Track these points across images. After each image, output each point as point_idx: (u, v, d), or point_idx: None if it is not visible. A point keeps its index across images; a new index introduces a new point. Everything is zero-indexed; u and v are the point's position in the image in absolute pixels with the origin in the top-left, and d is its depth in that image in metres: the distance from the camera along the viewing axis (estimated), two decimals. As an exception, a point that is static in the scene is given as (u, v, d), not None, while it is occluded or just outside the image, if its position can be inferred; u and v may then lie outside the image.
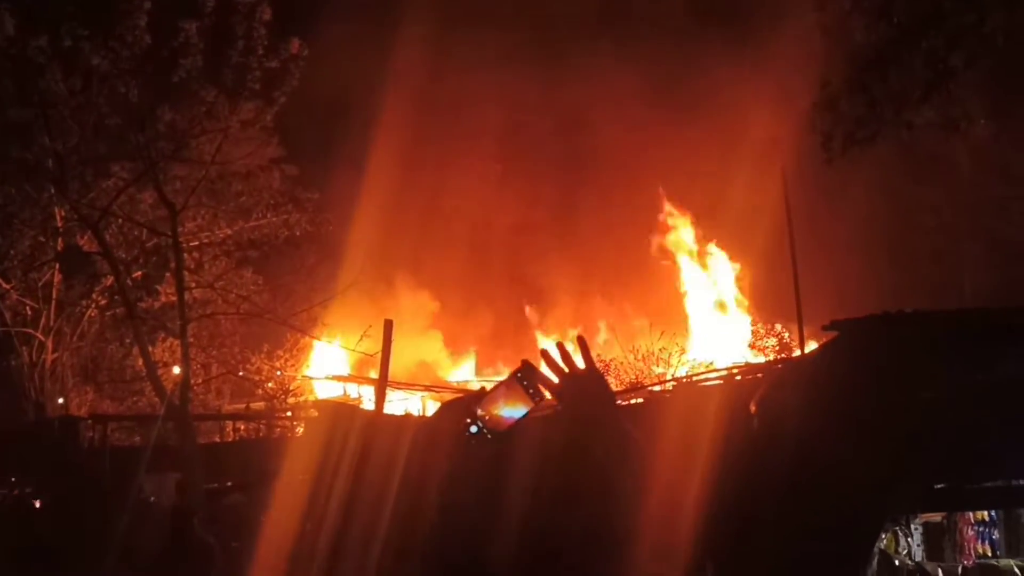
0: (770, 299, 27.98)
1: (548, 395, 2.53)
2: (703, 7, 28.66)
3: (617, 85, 29.04)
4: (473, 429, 2.47)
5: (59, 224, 21.68)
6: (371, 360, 19.41)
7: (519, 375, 2.49)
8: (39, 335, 23.50)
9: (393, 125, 23.93)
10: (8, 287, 22.84)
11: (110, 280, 20.16)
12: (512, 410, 2.48)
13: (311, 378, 27.38)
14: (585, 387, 2.57)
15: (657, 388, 16.87)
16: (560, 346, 2.63)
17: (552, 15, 31.20)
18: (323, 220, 22.77)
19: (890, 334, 6.14)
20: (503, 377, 2.64)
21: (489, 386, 2.74)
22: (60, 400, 24.28)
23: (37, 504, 15.84)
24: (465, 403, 2.54)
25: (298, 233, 22.78)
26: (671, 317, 29.43)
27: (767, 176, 22.14)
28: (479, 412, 2.42)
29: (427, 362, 30.32)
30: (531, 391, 2.46)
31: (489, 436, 2.47)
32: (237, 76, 17.65)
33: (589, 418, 2.57)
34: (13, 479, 17.93)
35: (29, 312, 23.61)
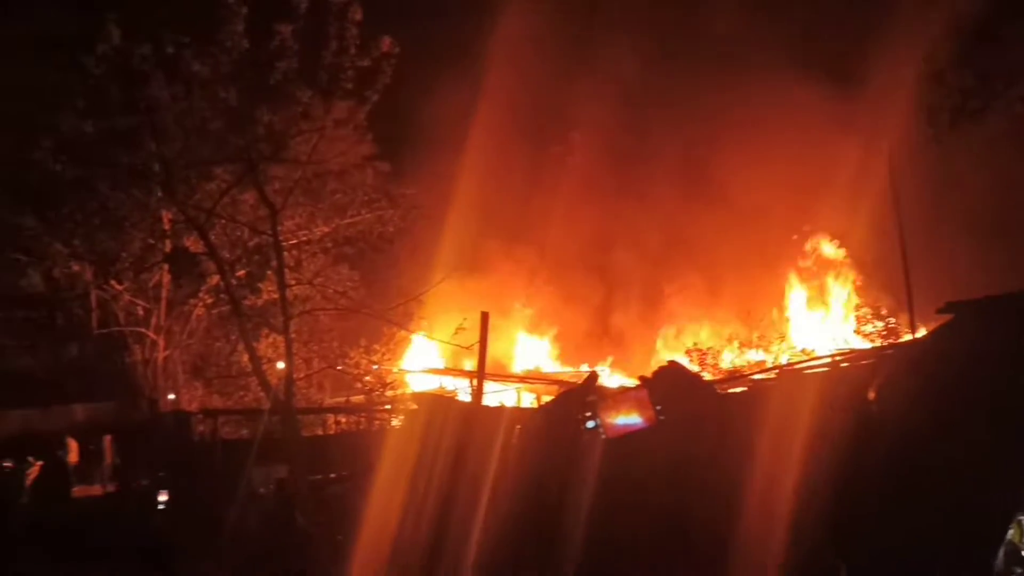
0: (876, 282, 27.04)
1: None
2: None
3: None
4: (590, 424, 2.46)
5: (167, 227, 22.46)
6: (467, 352, 19.53)
7: (650, 393, 2.47)
8: (151, 334, 24.42)
9: (489, 122, 23.97)
10: (121, 288, 23.78)
11: (216, 279, 20.78)
12: (628, 419, 2.47)
13: (408, 371, 27.76)
14: (674, 384, 2.51)
15: (759, 376, 16.48)
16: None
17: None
18: (416, 215, 22.98)
19: (1010, 315, 5.82)
20: (620, 383, 2.60)
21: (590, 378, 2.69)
22: (172, 396, 25.20)
23: (161, 497, 16.48)
24: (581, 393, 2.52)
25: (392, 229, 23.03)
26: (771, 303, 28.77)
27: (872, 155, 21.36)
28: (600, 417, 2.40)
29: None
30: (656, 408, 2.44)
31: (603, 435, 2.46)
32: (331, 76, 17.94)
33: (684, 416, 2.52)
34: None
35: (141, 312, 24.56)
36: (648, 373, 8.13)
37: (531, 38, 26.55)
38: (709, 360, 23.74)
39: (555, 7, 28.68)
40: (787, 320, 28.23)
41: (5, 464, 20.43)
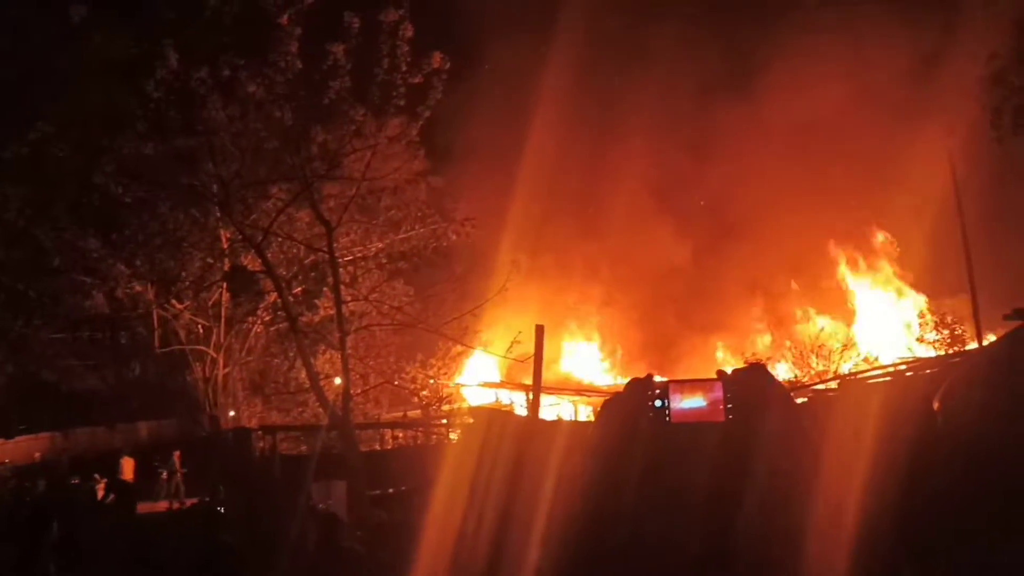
0: (940, 289, 26.41)
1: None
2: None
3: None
4: (658, 403, 2.45)
5: (225, 246, 22.84)
6: (523, 366, 19.45)
7: (724, 388, 2.45)
8: (211, 351, 24.81)
9: (540, 137, 23.98)
10: (182, 308, 24.22)
11: (273, 297, 21.06)
12: (694, 402, 2.46)
13: (464, 385, 27.77)
14: (751, 384, 2.45)
15: (821, 386, 16.15)
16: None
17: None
18: (470, 228, 22.99)
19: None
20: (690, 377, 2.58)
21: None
22: (232, 412, 25.54)
23: (221, 510, 16.60)
24: (647, 381, 2.51)
25: (446, 243, 23.07)
26: (836, 311, 28.28)
27: (935, 159, 20.86)
28: (669, 398, 2.38)
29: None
30: (728, 406, 2.41)
31: (668, 418, 2.44)
32: (383, 93, 18.03)
33: (757, 416, 2.46)
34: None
35: (201, 330, 24.98)
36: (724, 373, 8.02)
37: (585, 46, 26.57)
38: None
39: (608, 19, 28.73)
40: (850, 328, 27.70)
41: (73, 481, 20.90)
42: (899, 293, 28.94)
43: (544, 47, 26.72)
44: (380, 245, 22.54)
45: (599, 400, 23.49)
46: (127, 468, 21.60)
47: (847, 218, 30.00)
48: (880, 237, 29.75)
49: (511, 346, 19.48)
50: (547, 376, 20.29)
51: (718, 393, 2.07)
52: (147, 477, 23.10)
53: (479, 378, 27.88)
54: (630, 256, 31.15)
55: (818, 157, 28.34)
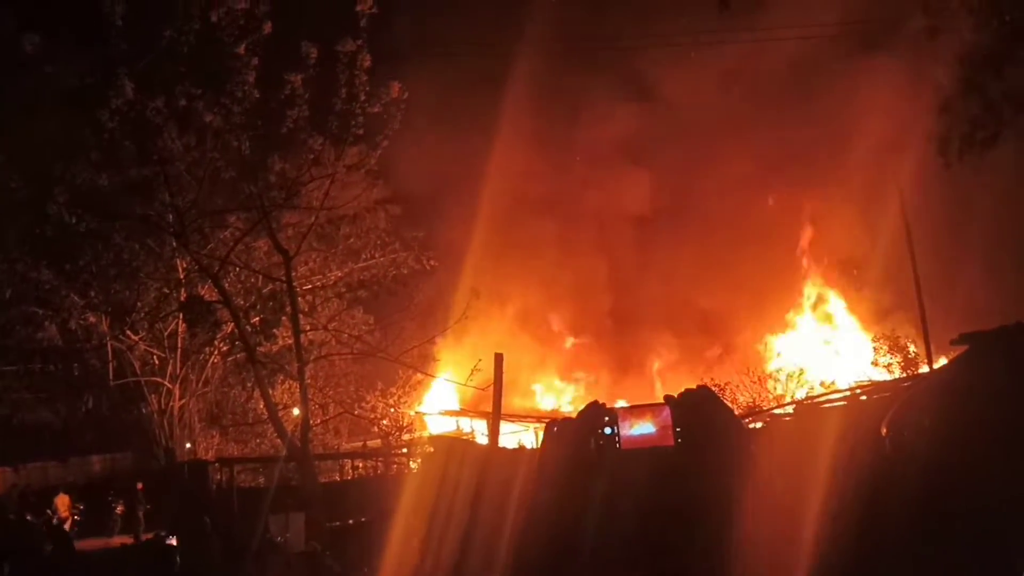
0: (892, 314, 26.89)
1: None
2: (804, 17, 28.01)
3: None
4: (607, 430, 2.48)
5: (181, 276, 22.59)
6: (485, 394, 19.45)
7: (672, 413, 2.49)
8: (167, 383, 24.46)
9: (499, 162, 24.14)
10: (136, 339, 23.87)
11: (230, 327, 20.85)
12: (643, 428, 2.48)
13: (424, 414, 27.65)
14: (699, 408, 2.50)
15: (778, 411, 16.34)
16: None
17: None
18: (428, 257, 22.99)
19: (1026, 345, 5.74)
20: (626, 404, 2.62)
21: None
22: (188, 445, 25.14)
23: (173, 542, 16.34)
24: (598, 408, 2.54)
25: (405, 271, 23.01)
26: (787, 335, 28.62)
27: (883, 186, 21.35)
28: (619, 424, 2.43)
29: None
30: (676, 429, 2.46)
31: (618, 444, 2.47)
32: (341, 123, 18.06)
33: (704, 440, 2.51)
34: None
35: (156, 361, 24.61)
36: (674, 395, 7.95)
37: (544, 74, 26.85)
38: (727, 395, 23.61)
39: (567, 42, 29.09)
40: (798, 353, 28.08)
41: (26, 517, 20.41)
42: (853, 316, 29.42)
43: (502, 72, 26.95)
44: (339, 274, 22.48)
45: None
46: (61, 506, 21.23)
47: (800, 250, 30.54)
48: (832, 266, 30.25)
49: (471, 374, 19.47)
50: (508, 404, 20.28)
51: (666, 418, 2.07)
52: (100, 512, 22.64)
53: (440, 406, 27.78)
54: (591, 282, 31.38)
55: (769, 182, 28.92)
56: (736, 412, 19.45)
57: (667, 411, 2.83)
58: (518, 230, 29.09)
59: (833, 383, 24.93)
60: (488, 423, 24.28)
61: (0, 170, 18.70)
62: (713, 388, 24.38)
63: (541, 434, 24.75)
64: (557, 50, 28.25)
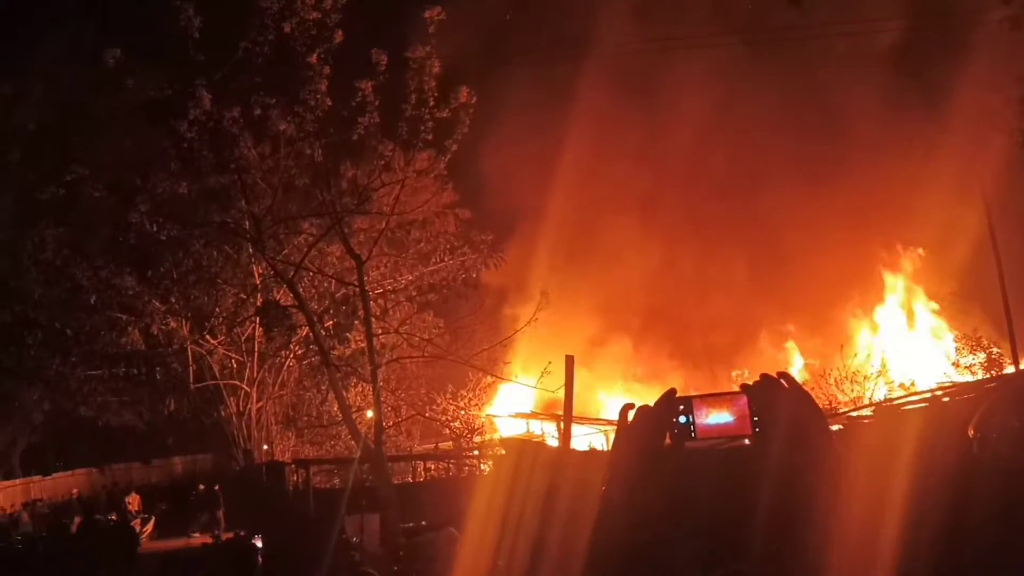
0: (974, 314, 26.06)
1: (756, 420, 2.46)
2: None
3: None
4: (682, 419, 2.43)
5: (257, 281, 23.09)
6: (555, 398, 19.43)
7: (749, 401, 2.44)
8: (244, 386, 25.01)
9: (564, 165, 24.10)
10: (215, 343, 24.47)
11: (305, 331, 21.23)
12: (720, 418, 2.43)
13: (495, 416, 27.73)
14: (795, 405, 2.45)
15: (855, 413, 15.95)
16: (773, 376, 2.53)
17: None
18: (498, 260, 23.03)
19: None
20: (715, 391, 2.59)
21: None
22: (265, 446, 25.68)
23: (258, 544, 16.68)
24: (673, 396, 2.50)
25: (475, 275, 23.09)
26: (865, 335, 27.95)
27: (967, 186, 20.70)
28: (694, 413, 2.39)
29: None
30: (754, 418, 2.40)
31: (693, 434, 2.43)
32: (411, 128, 18.19)
33: (800, 439, 2.45)
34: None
35: (234, 365, 25.20)
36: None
37: (611, 72, 26.76)
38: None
39: (637, 44, 28.95)
40: (882, 353, 27.35)
41: (110, 517, 21.11)
42: (936, 316, 28.60)
43: (570, 75, 26.95)
44: (410, 278, 22.64)
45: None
46: (133, 505, 21.92)
47: (880, 246, 29.78)
48: (913, 263, 29.44)
49: (541, 376, 19.46)
50: (580, 407, 20.23)
51: (744, 406, 2.04)
52: (183, 511, 23.28)
53: (510, 409, 27.84)
54: (660, 284, 31.11)
55: (849, 187, 28.26)
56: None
57: (744, 399, 2.72)
58: (591, 229, 29.01)
59: (913, 384, 24.28)
60: (558, 425, 24.30)
61: (83, 181, 19.37)
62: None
63: (612, 436, 24.73)
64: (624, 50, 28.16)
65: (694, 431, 2.45)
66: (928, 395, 15.64)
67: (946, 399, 13.55)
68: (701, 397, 2.53)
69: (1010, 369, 21.48)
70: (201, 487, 23.64)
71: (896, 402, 16.99)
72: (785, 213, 28.91)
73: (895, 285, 29.73)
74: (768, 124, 29.20)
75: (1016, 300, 21.38)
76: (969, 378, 23.19)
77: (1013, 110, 13.58)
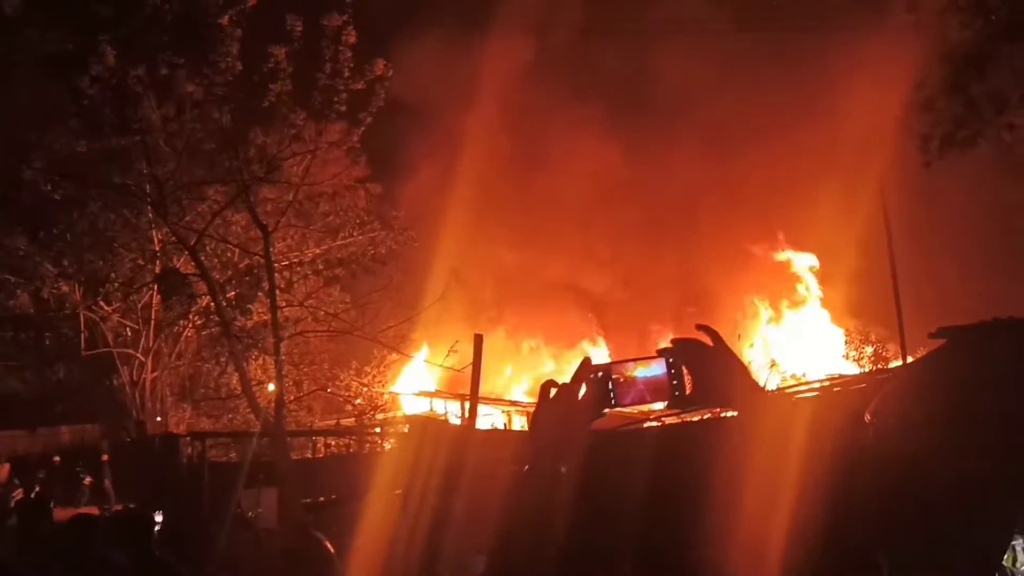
0: (865, 308, 27.19)
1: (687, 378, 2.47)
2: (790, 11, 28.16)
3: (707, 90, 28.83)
4: (601, 375, 2.41)
5: (157, 247, 22.39)
6: (461, 376, 19.46)
7: (666, 352, 2.44)
8: (139, 355, 24.29)
9: (477, 144, 24.07)
10: (110, 310, 23.67)
11: (206, 301, 20.73)
12: (646, 371, 2.43)
13: (399, 394, 27.65)
14: (716, 365, 2.47)
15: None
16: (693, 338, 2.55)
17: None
18: (408, 237, 22.93)
19: (1006, 340, 5.82)
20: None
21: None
22: (159, 418, 25.03)
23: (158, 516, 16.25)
24: (589, 365, 2.48)
25: (384, 250, 22.92)
26: (760, 327, 28.82)
27: (862, 183, 21.52)
28: (611, 382, 2.37)
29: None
30: (673, 382, 2.41)
31: (613, 402, 2.42)
32: (324, 98, 17.91)
33: (726, 399, 2.49)
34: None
35: (129, 333, 24.45)
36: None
37: (527, 51, 26.81)
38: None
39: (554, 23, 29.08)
40: (773, 346, 28.29)
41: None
42: (825, 308, 29.69)
43: (486, 53, 26.89)
44: (317, 251, 22.36)
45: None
46: (2, 473, 21.09)
47: (771, 240, 30.73)
48: (806, 259, 30.46)
49: (447, 354, 19.47)
50: (486, 387, 20.33)
51: (663, 369, 2.01)
52: (69, 482, 22.49)
53: (414, 387, 27.79)
54: (561, 265, 31.46)
55: (740, 182, 29.08)
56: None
57: (663, 363, 2.63)
58: (502, 208, 29.09)
59: (804, 375, 25.19)
60: (463, 405, 24.38)
61: (-26, 135, 18.45)
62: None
63: (514, 417, 24.86)
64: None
65: (614, 397, 2.46)
66: (819, 385, 16.23)
67: (836, 389, 14.11)
68: (618, 363, 2.53)
69: (896, 364, 22.50)
70: (83, 460, 22.87)
71: (789, 391, 17.61)
72: (681, 207, 29.69)
73: (785, 280, 30.72)
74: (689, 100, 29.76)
75: (907, 302, 22.38)
76: (858, 370, 24.23)
77: (914, 113, 14.17)
